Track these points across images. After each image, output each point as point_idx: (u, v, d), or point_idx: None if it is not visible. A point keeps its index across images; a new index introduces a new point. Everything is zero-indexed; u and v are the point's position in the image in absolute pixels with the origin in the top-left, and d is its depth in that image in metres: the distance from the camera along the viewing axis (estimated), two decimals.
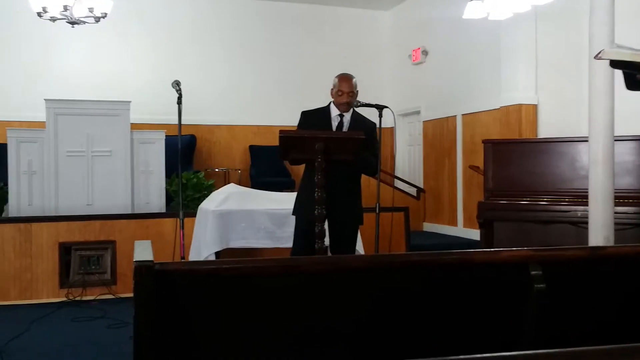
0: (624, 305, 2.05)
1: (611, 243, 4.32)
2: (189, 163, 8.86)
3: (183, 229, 4.11)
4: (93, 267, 5.77)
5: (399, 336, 1.91)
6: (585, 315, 2.03)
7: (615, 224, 4.50)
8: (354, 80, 4.09)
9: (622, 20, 5.11)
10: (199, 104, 8.97)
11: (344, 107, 4.07)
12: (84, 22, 7.35)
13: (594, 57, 1.97)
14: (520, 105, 7.23)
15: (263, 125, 9.67)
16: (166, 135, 6.77)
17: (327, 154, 3.65)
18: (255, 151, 9.53)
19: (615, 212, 4.53)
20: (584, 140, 4.90)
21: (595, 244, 4.27)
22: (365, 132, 3.85)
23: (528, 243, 5.36)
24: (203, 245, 5.17)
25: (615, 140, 4.53)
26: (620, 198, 4.91)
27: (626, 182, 5.20)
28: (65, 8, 7.02)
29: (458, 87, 8.52)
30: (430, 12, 9.17)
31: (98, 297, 5.64)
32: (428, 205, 9.17)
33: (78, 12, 7.20)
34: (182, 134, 4.24)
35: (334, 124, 4.10)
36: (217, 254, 5.12)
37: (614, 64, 1.94)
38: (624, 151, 5.19)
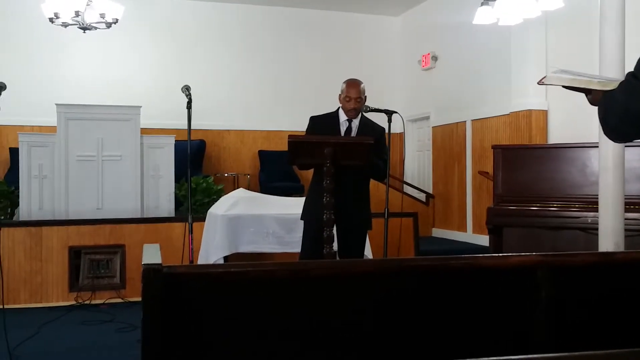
0: (634, 311, 2.04)
1: (621, 249, 4.29)
2: (199, 168, 8.89)
3: (192, 233, 4.11)
4: (102, 271, 5.80)
5: (407, 341, 1.91)
6: (594, 320, 2.02)
7: (626, 230, 4.47)
8: (361, 85, 4.07)
9: (633, 25, 5.09)
10: (209, 109, 9.00)
11: (351, 113, 4.06)
12: (96, 28, 7.41)
13: (537, 83, 1.94)
14: (530, 110, 7.21)
15: (272, 130, 9.69)
16: (176, 140, 6.80)
17: (336, 159, 3.65)
18: (264, 156, 9.55)
19: (626, 219, 4.50)
20: (595, 146, 4.87)
21: (605, 250, 4.24)
22: (374, 137, 3.85)
23: (537, 249, 5.32)
24: (212, 249, 5.19)
25: (626, 146, 4.50)
26: (631, 204, 4.88)
27: (636, 188, 5.17)
28: (77, 14, 7.08)
29: (468, 92, 8.50)
30: (440, 17, 9.16)
31: (107, 301, 5.66)
32: (437, 211, 9.15)
33: (89, 18, 7.26)
34: (192, 138, 4.25)
35: (343, 129, 4.10)
36: (226, 258, 5.14)
37: (567, 87, 1.92)
38: (635, 157, 5.16)
